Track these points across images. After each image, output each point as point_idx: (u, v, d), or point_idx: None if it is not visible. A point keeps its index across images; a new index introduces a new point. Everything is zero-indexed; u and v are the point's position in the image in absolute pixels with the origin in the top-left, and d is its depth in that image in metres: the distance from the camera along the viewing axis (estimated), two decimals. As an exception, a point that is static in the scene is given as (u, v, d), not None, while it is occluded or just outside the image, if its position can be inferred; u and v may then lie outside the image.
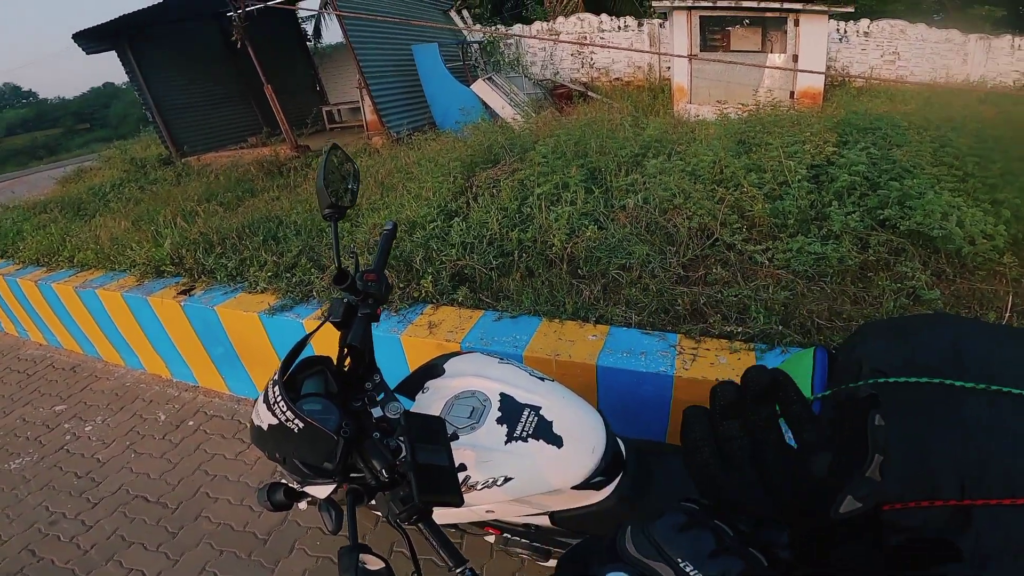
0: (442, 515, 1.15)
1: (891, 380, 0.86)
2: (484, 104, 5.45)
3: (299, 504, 1.58)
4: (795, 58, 6.00)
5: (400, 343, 1.99)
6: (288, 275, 2.56)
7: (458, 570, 0.78)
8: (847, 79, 7.43)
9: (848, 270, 2.10)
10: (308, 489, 1.23)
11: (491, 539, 1.43)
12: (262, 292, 2.56)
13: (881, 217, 2.31)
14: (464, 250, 2.32)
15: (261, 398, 1.03)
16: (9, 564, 2.23)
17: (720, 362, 1.66)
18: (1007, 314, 1.87)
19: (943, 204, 2.25)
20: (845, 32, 7.98)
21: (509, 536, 1.31)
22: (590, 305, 1.95)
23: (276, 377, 0.97)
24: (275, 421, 0.94)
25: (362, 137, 5.84)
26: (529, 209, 2.51)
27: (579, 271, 2.17)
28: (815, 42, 5.91)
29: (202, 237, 3.27)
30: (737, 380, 1.16)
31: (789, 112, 4.00)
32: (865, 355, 0.94)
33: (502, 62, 8.37)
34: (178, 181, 6.03)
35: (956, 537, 0.67)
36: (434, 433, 0.97)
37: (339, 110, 9.14)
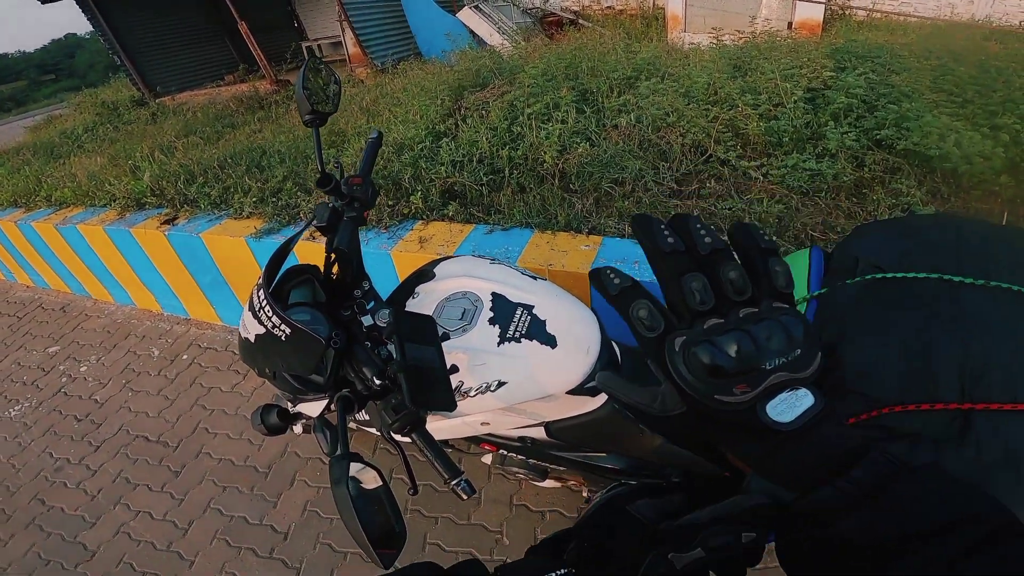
0: (436, 430, 1.13)
1: (888, 275, 0.84)
2: (471, 32, 5.20)
3: (294, 428, 1.60)
4: None
5: (391, 259, 1.97)
6: (274, 199, 2.50)
7: (453, 482, 0.76)
8: (848, 11, 7.16)
9: (843, 186, 2.09)
10: (301, 407, 1.23)
11: (487, 459, 1.42)
12: (248, 217, 2.51)
13: (878, 137, 2.28)
14: (454, 168, 2.26)
15: (247, 307, 0.99)
16: (21, 515, 2.25)
17: (712, 269, 1.66)
18: (1002, 234, 1.89)
19: (941, 126, 2.22)
20: (849, -37, 7.61)
21: (505, 453, 1.29)
22: (583, 217, 1.93)
23: (260, 281, 0.93)
24: (262, 330, 0.90)
25: (345, 70, 5.59)
26: (519, 128, 2.44)
27: (571, 186, 2.14)
28: None
29: (183, 168, 3.17)
30: None
31: (787, 40, 3.87)
32: (861, 251, 0.92)
33: (489, -8, 7.95)
34: (153, 120, 5.81)
35: (955, 446, 0.66)
36: (424, 333, 0.92)
37: (319, 45, 8.70)
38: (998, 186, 2.07)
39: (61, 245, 3.32)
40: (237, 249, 2.39)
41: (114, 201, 3.09)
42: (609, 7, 7.07)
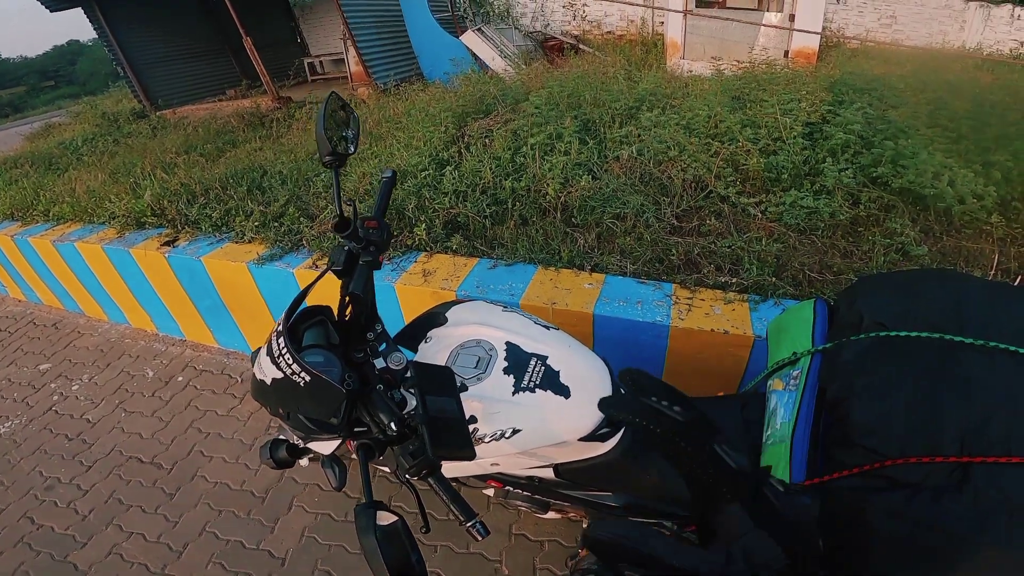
0: (446, 469, 1.13)
1: (891, 334, 0.88)
2: (473, 55, 5.26)
3: (301, 461, 1.59)
4: (791, 17, 5.89)
5: (395, 291, 1.97)
6: (276, 224, 2.50)
7: (468, 523, 0.78)
8: (842, 40, 7.32)
9: (839, 225, 2.12)
10: (312, 445, 1.22)
11: (490, 492, 1.43)
12: (249, 242, 2.50)
13: (874, 175, 2.32)
14: (457, 198, 2.28)
15: (264, 351, 1.00)
16: (10, 533, 2.21)
17: (715, 312, 1.68)
18: (992, 271, 1.92)
19: (936, 164, 2.27)
20: (843, -5, 7.81)
21: (511, 489, 1.30)
22: (585, 253, 1.95)
23: (280, 328, 0.94)
24: (279, 375, 0.91)
25: (347, 88, 5.62)
26: (522, 159, 2.46)
27: (573, 220, 2.15)
28: (812, 2, 5.80)
29: (184, 188, 3.16)
30: (732, 329, 1.19)
31: (783, 71, 3.94)
32: (866, 307, 0.96)
33: (491, 13, 8.06)
34: (154, 134, 5.78)
35: (954, 494, 0.71)
36: (444, 384, 0.94)
37: (321, 62, 8.77)
38: (989, 225, 2.12)
39: (57, 261, 3.29)
40: (238, 274, 2.38)
41: (113, 219, 3.07)
42: (609, 32, 7.19)
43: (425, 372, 0.93)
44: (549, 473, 1.13)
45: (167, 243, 2.70)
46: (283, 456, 0.91)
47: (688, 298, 1.74)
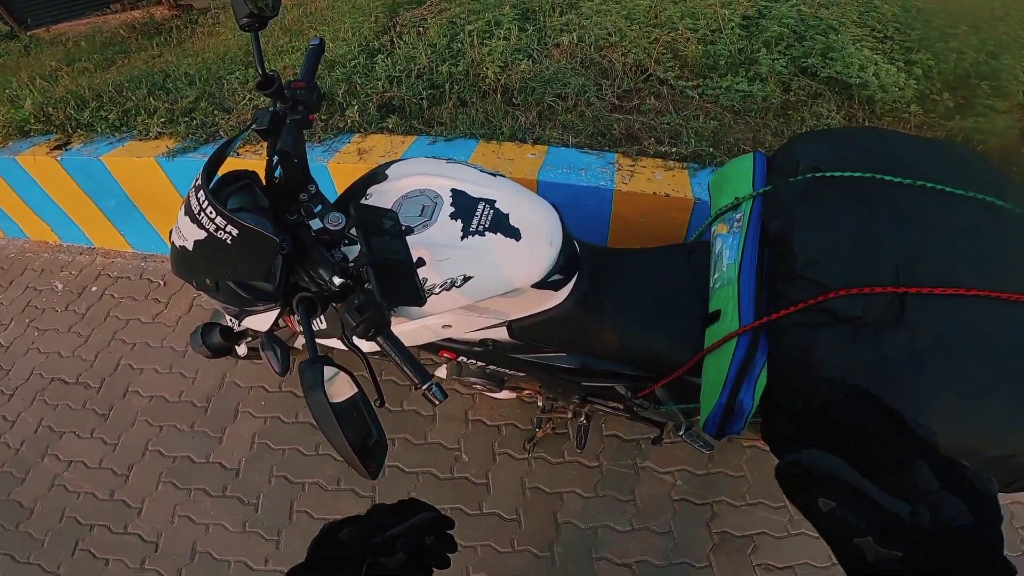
0: (396, 335, 1.08)
1: (827, 174, 0.89)
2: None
3: (239, 349, 1.48)
4: None
5: (328, 171, 1.85)
6: (186, 119, 2.25)
7: (424, 386, 0.73)
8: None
9: (771, 107, 2.19)
10: (247, 322, 1.12)
11: (443, 372, 1.40)
12: (156, 138, 2.24)
13: (804, 65, 2.40)
14: (391, 83, 2.13)
15: (182, 212, 0.89)
16: None
17: (656, 178, 1.70)
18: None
19: (862, 58, 2.37)
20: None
21: (464, 360, 1.27)
22: (527, 129, 1.90)
23: (199, 182, 0.83)
24: (202, 235, 0.82)
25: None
26: (459, 45, 2.32)
27: (514, 100, 2.08)
28: None
29: (71, 94, 2.77)
30: (672, 192, 1.54)
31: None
32: (802, 154, 0.97)
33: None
34: (26, 52, 4.99)
35: (892, 330, 0.71)
36: (388, 226, 0.86)
37: (229, -29, 7.76)
38: (908, 113, 2.26)
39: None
40: (147, 171, 2.14)
41: (-10, 131, 2.66)
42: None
43: (368, 213, 0.84)
44: (503, 333, 1.10)
45: (58, 147, 2.37)
46: (218, 342, 0.83)
47: (630, 166, 1.74)
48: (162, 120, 2.28)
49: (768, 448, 0.86)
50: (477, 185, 1.05)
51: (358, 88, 2.14)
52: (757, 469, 1.65)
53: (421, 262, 0.94)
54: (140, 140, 2.26)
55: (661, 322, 1.06)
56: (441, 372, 1.41)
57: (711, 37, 2.51)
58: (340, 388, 0.68)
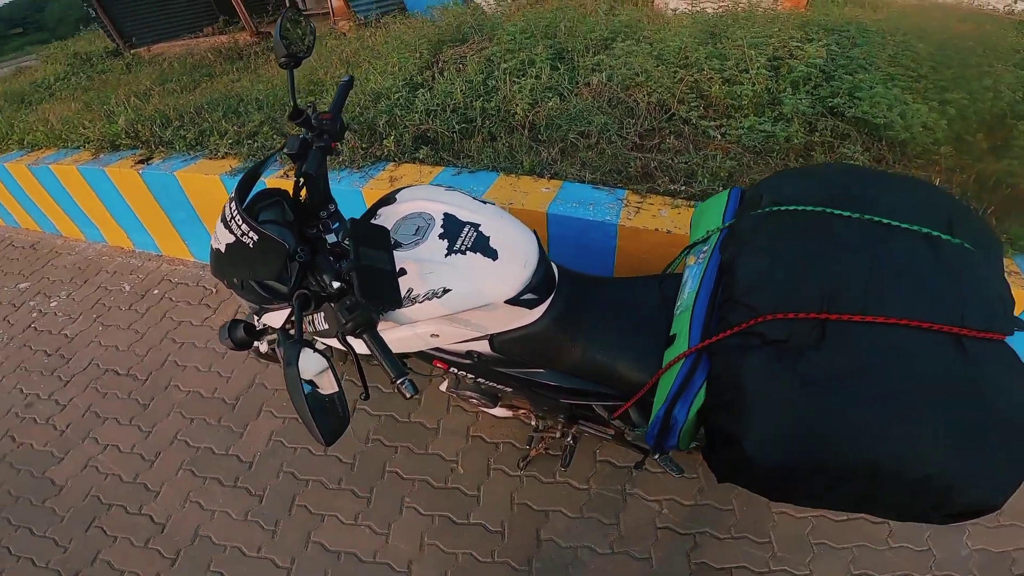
0: (390, 341, 1.18)
1: (783, 208, 0.97)
2: (457, -10, 5.16)
3: (260, 346, 1.69)
4: None
5: (362, 195, 2.05)
6: (250, 141, 2.54)
7: (398, 380, 0.84)
8: (838, -11, 7.17)
9: (794, 148, 2.21)
10: (266, 318, 1.31)
11: (444, 387, 1.53)
12: (223, 157, 2.54)
13: (831, 105, 2.40)
14: (428, 116, 2.33)
15: (219, 220, 1.07)
16: None
17: (661, 215, 1.78)
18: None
19: (891, 97, 2.36)
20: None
21: (456, 372, 1.39)
22: (547, 164, 2.03)
23: (232, 195, 1.01)
24: (231, 239, 0.98)
25: (328, 23, 5.49)
26: (494, 82, 2.50)
27: (539, 136, 2.22)
28: None
29: (158, 113, 3.16)
30: (675, 230, 1.66)
31: (766, 12, 3.94)
32: (767, 189, 1.06)
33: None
34: (128, 70, 5.62)
35: (813, 352, 0.78)
36: (377, 239, 1.02)
37: (302, -1, 8.47)
38: (938, 156, 2.22)
39: (32, 185, 3.31)
40: (211, 186, 2.43)
41: (88, 143, 3.08)
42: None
43: (360, 228, 1.01)
44: (485, 347, 1.21)
45: (141, 161, 2.73)
46: (241, 336, 0.94)
47: (638, 202, 1.84)
48: (230, 141, 2.58)
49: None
50: (467, 210, 1.19)
51: (398, 120, 2.35)
52: (747, 504, 1.67)
53: (403, 272, 1.07)
54: (210, 159, 2.57)
55: (627, 344, 1.15)
56: (443, 387, 1.56)
57: (737, 77, 2.57)
58: (312, 367, 0.82)
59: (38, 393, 2.51)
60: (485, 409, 1.70)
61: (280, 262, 0.98)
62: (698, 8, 3.53)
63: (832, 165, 1.21)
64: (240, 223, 0.96)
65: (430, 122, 2.30)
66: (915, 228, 0.86)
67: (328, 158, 1.18)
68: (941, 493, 0.71)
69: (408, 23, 3.69)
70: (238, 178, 2.29)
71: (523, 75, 2.56)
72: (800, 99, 2.37)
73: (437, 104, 2.40)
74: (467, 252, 1.10)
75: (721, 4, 3.54)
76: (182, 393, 2.34)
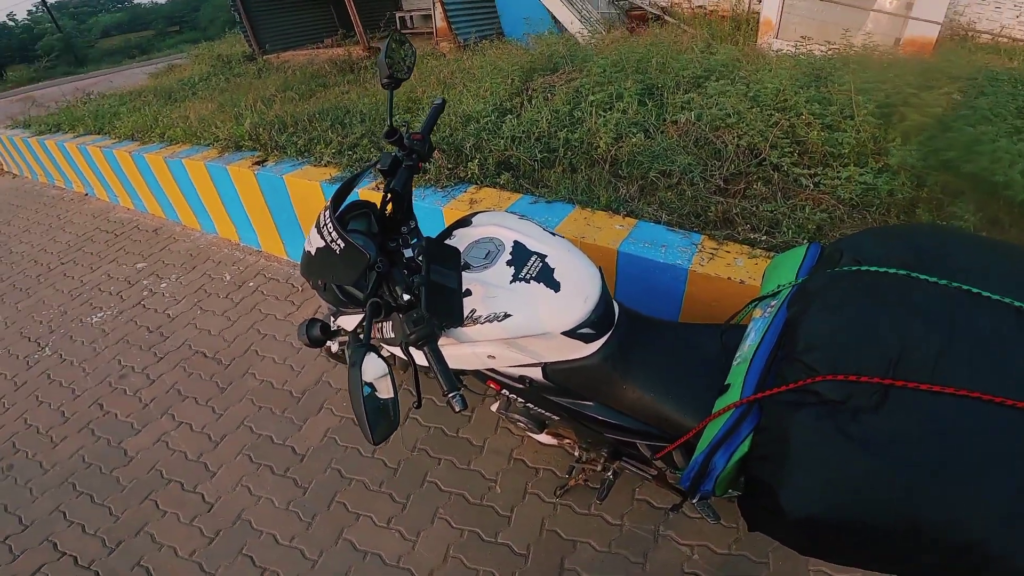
0: (448, 356, 1.24)
1: (863, 268, 0.93)
2: (553, 18, 5.30)
3: (332, 345, 1.84)
4: (908, 6, 5.39)
5: (442, 214, 2.17)
6: (350, 152, 2.77)
7: (450, 394, 0.89)
8: (970, 34, 6.57)
9: (896, 203, 2.06)
10: (340, 320, 1.44)
11: (495, 407, 1.58)
12: (325, 165, 2.79)
13: (944, 159, 2.21)
14: (512, 143, 2.43)
15: (313, 225, 1.19)
16: (79, 417, 2.44)
17: (736, 264, 1.73)
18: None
19: (1014, 152, 2.13)
20: (981, -11, 6.97)
21: (508, 395, 1.43)
22: (624, 201, 2.04)
23: (328, 204, 1.11)
24: (322, 243, 1.07)
25: (431, 42, 5.85)
26: (580, 114, 2.55)
27: (620, 172, 2.24)
28: None
29: (277, 119, 3.50)
30: (748, 280, 1.59)
31: (886, 57, 3.68)
32: (849, 247, 1.02)
33: (580, -20, 7.95)
34: (259, 75, 6.29)
35: (870, 415, 0.77)
36: (448, 258, 1.10)
37: (411, 16, 9.09)
38: (1067, 219, 1.98)
39: (165, 175, 3.77)
40: (312, 191, 2.67)
41: (217, 142, 3.48)
42: (700, 6, 6.87)
43: (434, 245, 1.09)
44: (538, 374, 1.25)
45: (258, 163, 3.05)
46: (316, 335, 1.01)
47: (714, 248, 1.79)
48: (333, 151, 2.83)
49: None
50: (536, 240, 1.24)
51: (484, 144, 2.47)
52: (783, 559, 1.58)
53: (468, 292, 1.13)
54: (315, 166, 2.83)
55: (679, 388, 1.15)
56: (495, 407, 1.61)
57: (840, 124, 2.43)
58: (373, 370, 0.87)
59: (133, 366, 2.72)
60: (531, 434, 1.73)
61: (360, 270, 1.05)
62: (804, 49, 3.38)
63: (924, 226, 1.13)
64: (331, 229, 1.05)
65: (513, 148, 2.39)
66: (1006, 300, 0.81)
67: (414, 176, 1.28)
68: (981, 561, 0.70)
69: (503, 49, 3.85)
70: (335, 187, 2.55)
71: (610, 108, 2.59)
72: (910, 151, 2.20)
73: (522, 131, 2.49)
74: (531, 281, 1.15)
75: (832, 47, 3.36)
76: (256, 381, 2.49)
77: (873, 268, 0.91)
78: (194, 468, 2.14)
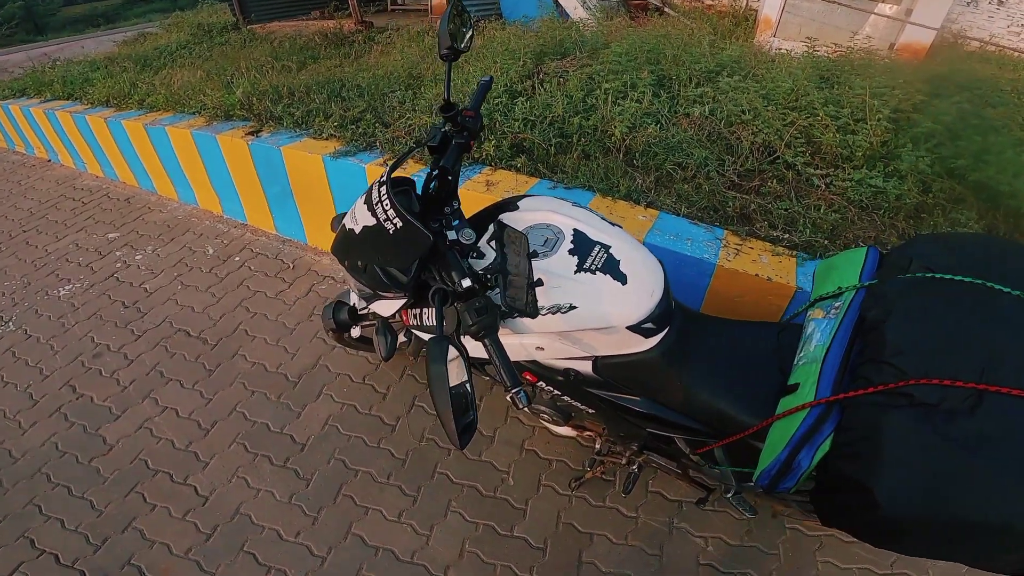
0: None
1: (938, 276, 0.93)
2: (555, 3, 5.20)
3: (354, 330, 1.74)
4: (908, 12, 5.52)
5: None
6: (353, 126, 2.65)
7: (513, 390, 0.84)
8: (960, 41, 6.79)
9: (903, 207, 2.09)
10: (374, 306, 1.34)
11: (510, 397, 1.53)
12: (327, 139, 2.66)
13: (952, 166, 2.26)
14: (526, 126, 2.36)
15: (361, 201, 1.11)
16: (49, 401, 2.23)
17: (761, 260, 1.72)
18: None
19: (1020, 164, 2.19)
20: (977, -2, 7.21)
21: (541, 386, 1.37)
22: (642, 191, 2.00)
23: (384, 178, 1.04)
24: (372, 222, 1.01)
25: (426, 20, 5.67)
26: (594, 101, 2.50)
27: (635, 161, 2.20)
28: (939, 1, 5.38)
29: (272, 88, 3.33)
30: (775, 277, 1.61)
31: (884, 61, 3.75)
32: (916, 254, 1.01)
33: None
34: (244, 45, 5.97)
35: (965, 418, 0.78)
36: (520, 246, 1.04)
37: (404, -9, 8.80)
38: (1064, 234, 2.04)
39: (144, 143, 3.54)
40: (312, 165, 2.54)
41: (204, 110, 3.29)
42: (698, 0, 6.88)
43: (509, 233, 1.03)
44: (587, 367, 1.20)
45: (251, 133, 2.89)
46: (343, 319, 0.96)
47: (738, 244, 1.78)
48: (335, 124, 2.70)
49: (818, 519, 0.96)
50: (597, 230, 1.19)
51: (497, 126, 2.39)
52: (792, 550, 1.62)
53: (540, 283, 1.08)
54: (315, 138, 2.69)
55: (737, 385, 1.13)
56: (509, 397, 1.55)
57: (853, 127, 2.45)
58: (456, 368, 0.81)
59: (108, 344, 2.50)
60: (550, 426, 1.68)
61: (420, 252, 0.99)
62: (808, 50, 3.40)
63: (978, 235, 1.17)
64: (387, 207, 0.98)
65: (528, 132, 2.32)
66: None
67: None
68: None
69: (507, 31, 3.74)
70: (339, 161, 2.43)
71: (624, 97, 2.54)
72: (920, 156, 2.24)
73: (536, 115, 2.42)
74: (596, 272, 1.10)
75: (837, 49, 3.38)
76: (247, 364, 2.33)
77: (948, 276, 0.94)
78: (183, 458, 1.99)
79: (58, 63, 6.12)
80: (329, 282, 2.83)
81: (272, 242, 3.22)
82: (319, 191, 2.63)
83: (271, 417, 2.10)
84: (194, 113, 3.36)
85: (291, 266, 2.98)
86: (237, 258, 3.09)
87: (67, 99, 4.41)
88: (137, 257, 3.20)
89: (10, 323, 2.76)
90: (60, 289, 2.98)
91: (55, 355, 2.50)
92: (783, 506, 1.40)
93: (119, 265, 3.13)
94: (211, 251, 3.18)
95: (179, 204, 3.80)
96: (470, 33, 1.24)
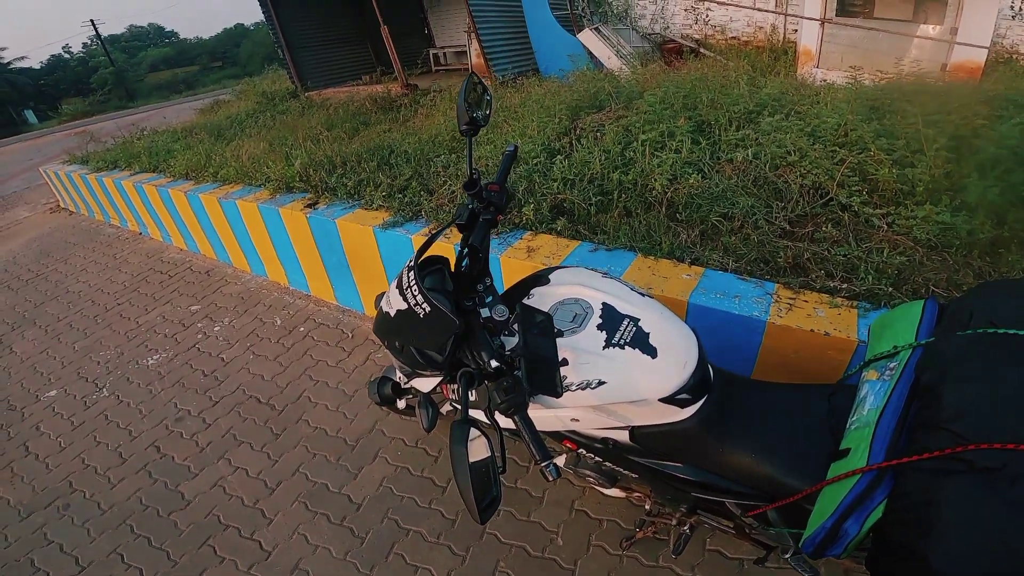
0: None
1: (1000, 331, 0.87)
2: (590, 54, 5.35)
3: (399, 403, 1.80)
4: (953, 31, 5.26)
5: (499, 263, 2.14)
6: (400, 196, 2.79)
7: (543, 463, 0.85)
8: (1015, 57, 6.38)
9: (977, 243, 1.95)
10: (414, 383, 1.39)
11: (561, 461, 1.50)
12: (376, 209, 2.81)
13: (1024, 193, 2.09)
14: (565, 185, 2.40)
15: (393, 285, 1.16)
16: (136, 460, 2.46)
17: (818, 314, 1.64)
18: None
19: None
20: (1020, 10, 6.79)
21: (583, 453, 1.36)
22: (686, 247, 1.98)
23: (411, 263, 1.09)
24: (404, 306, 1.04)
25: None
26: (632, 154, 2.52)
27: (678, 216, 2.18)
28: (982, 16, 5.11)
29: (326, 159, 3.55)
30: (834, 332, 1.50)
31: (937, 84, 3.57)
32: (978, 306, 0.95)
33: (609, 13, 8.05)
34: (303, 112, 6.43)
35: None
36: (543, 327, 1.05)
37: (444, 53, 9.35)
38: None
39: (219, 216, 3.86)
40: (364, 236, 2.69)
41: (268, 183, 3.55)
42: (734, 37, 6.84)
43: (529, 313, 1.05)
44: (624, 436, 1.19)
45: (309, 205, 3.11)
46: (387, 393, 0.99)
47: (791, 298, 1.71)
48: (383, 194, 2.86)
49: None
50: (625, 302, 1.18)
51: (536, 187, 2.45)
52: None
53: (564, 362, 1.08)
54: (366, 209, 2.86)
55: (783, 450, 1.09)
56: (560, 460, 1.52)
57: (910, 159, 2.34)
58: (478, 448, 0.83)
59: (189, 409, 2.72)
60: (599, 488, 1.64)
61: (447, 337, 1.02)
62: (854, 79, 3.29)
63: None
64: (416, 292, 1.02)
65: (567, 191, 2.37)
66: None
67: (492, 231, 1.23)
68: None
69: (544, 86, 3.88)
70: (388, 232, 2.57)
71: (662, 148, 2.56)
72: (989, 185, 2.09)
73: (575, 173, 2.47)
74: (625, 347, 1.09)
75: (884, 75, 3.26)
76: (310, 428, 2.48)
77: (1012, 331, 0.88)
78: (250, 514, 2.13)
79: (144, 133, 6.77)
80: (385, 351, 2.94)
81: (333, 312, 3.38)
82: (371, 261, 2.77)
83: (330, 478, 2.21)
84: (260, 186, 3.64)
85: (350, 336, 3.12)
86: (302, 328, 3.27)
87: (153, 171, 4.86)
88: (215, 328, 3.45)
89: (104, 389, 3.06)
90: (149, 359, 3.26)
91: (143, 419, 2.74)
92: (854, 563, 1.30)
93: (200, 336, 3.40)
94: (279, 322, 3.38)
95: (251, 276, 4.08)
96: (488, 108, 1.28)
